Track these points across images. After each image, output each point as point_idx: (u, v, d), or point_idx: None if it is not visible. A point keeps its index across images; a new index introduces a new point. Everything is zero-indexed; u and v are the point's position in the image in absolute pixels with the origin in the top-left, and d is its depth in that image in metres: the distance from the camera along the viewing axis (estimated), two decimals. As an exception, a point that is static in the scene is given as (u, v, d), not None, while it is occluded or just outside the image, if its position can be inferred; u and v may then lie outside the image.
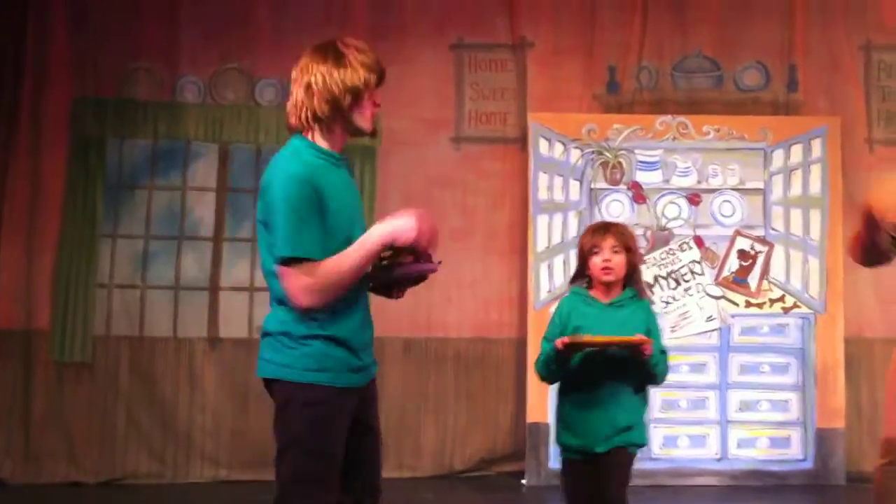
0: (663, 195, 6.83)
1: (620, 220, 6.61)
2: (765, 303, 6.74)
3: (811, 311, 6.73)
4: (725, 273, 6.76)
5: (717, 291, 6.75)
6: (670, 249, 6.78)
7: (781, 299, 6.74)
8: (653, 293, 6.69)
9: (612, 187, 6.82)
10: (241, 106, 7.05)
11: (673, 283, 6.75)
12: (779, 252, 6.77)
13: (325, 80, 2.91)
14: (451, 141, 7.13)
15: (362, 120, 2.99)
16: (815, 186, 6.81)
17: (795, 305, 6.73)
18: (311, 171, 2.88)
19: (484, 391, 6.96)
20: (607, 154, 6.83)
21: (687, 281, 6.75)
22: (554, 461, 6.35)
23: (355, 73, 2.93)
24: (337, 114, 2.94)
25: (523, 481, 6.57)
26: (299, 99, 2.95)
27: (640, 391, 3.75)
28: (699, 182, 6.83)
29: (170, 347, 6.86)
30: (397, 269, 3.03)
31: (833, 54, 7.13)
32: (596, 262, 3.75)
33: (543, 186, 6.79)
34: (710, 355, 6.71)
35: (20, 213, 6.85)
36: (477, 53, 7.19)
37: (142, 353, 6.84)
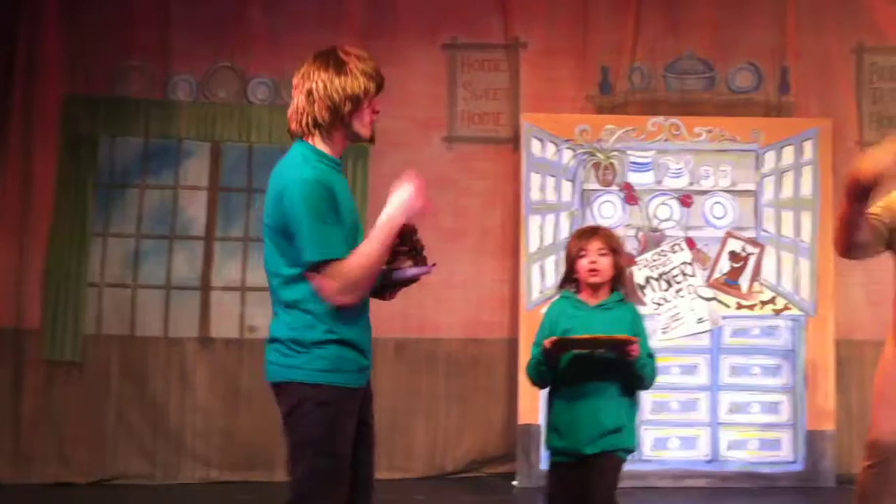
0: (655, 196, 6.83)
1: (612, 220, 6.66)
2: (756, 304, 6.75)
3: (802, 313, 6.74)
4: (717, 275, 6.78)
5: (709, 293, 6.76)
6: (662, 251, 6.79)
7: (772, 301, 6.75)
8: (644, 294, 6.70)
9: (604, 188, 6.82)
10: (234, 104, 7.03)
11: (664, 285, 6.76)
12: (770, 254, 6.79)
13: (326, 87, 2.98)
14: (444, 141, 7.13)
15: (361, 126, 3.05)
16: (807, 188, 6.82)
17: (786, 307, 6.75)
18: (323, 175, 2.94)
19: (475, 392, 6.96)
20: (599, 155, 6.84)
21: (678, 282, 6.76)
22: (545, 463, 6.34)
23: (356, 81, 2.99)
24: (337, 120, 3.00)
25: (514, 483, 6.57)
26: (300, 105, 3.02)
27: (629, 394, 3.76)
28: (691, 183, 6.84)
29: (161, 347, 6.84)
30: (395, 273, 3.10)
31: (825, 57, 7.15)
32: (583, 264, 3.79)
33: (536, 187, 6.80)
34: (701, 357, 6.72)
35: (11, 211, 6.82)
36: (470, 53, 7.20)
37: (133, 352, 6.82)
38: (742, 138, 6.85)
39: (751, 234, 6.80)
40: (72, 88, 6.92)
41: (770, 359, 6.73)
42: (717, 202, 6.84)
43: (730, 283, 6.77)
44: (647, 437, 6.57)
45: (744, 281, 6.77)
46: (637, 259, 6.74)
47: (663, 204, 6.83)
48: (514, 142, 7.02)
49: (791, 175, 6.84)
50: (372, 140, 3.12)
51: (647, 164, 6.85)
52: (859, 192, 3.33)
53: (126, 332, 6.84)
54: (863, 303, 6.86)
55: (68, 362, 6.74)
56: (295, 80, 3.06)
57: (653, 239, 6.81)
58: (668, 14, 7.19)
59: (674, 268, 6.78)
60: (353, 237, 2.99)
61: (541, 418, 6.24)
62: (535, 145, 6.82)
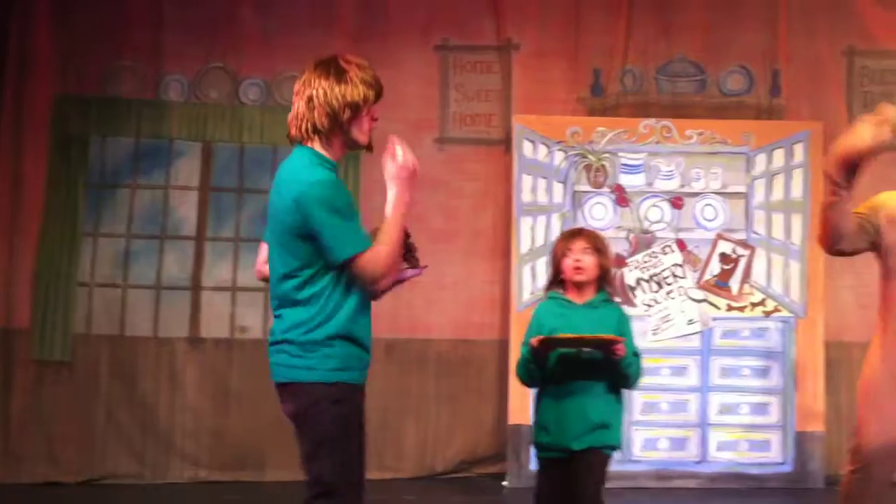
0: (646, 198, 6.85)
1: (603, 222, 6.68)
2: (746, 306, 6.77)
3: (792, 315, 6.76)
4: (707, 276, 6.79)
5: (699, 295, 6.77)
6: (652, 252, 6.80)
7: (762, 303, 6.77)
8: (635, 296, 6.72)
9: (595, 190, 6.84)
10: (225, 105, 7.03)
11: (655, 286, 6.77)
12: (760, 256, 6.81)
13: (327, 95, 3.04)
14: (436, 142, 7.13)
15: (360, 134, 3.11)
16: (797, 191, 6.85)
17: (776, 309, 6.77)
18: (333, 174, 3.03)
19: (466, 393, 6.96)
20: (591, 157, 6.85)
21: (669, 284, 6.78)
22: (535, 463, 6.35)
23: (355, 89, 3.05)
24: (336, 127, 3.06)
25: (504, 483, 6.58)
26: (300, 111, 3.07)
27: (615, 392, 3.80)
28: (682, 185, 6.86)
29: (150, 347, 6.83)
30: None
31: (816, 60, 7.17)
32: (568, 262, 3.84)
33: (527, 188, 6.81)
34: (691, 358, 6.73)
35: (1, 211, 6.81)
36: (462, 55, 7.20)
37: (122, 352, 6.81)
38: (733, 141, 6.87)
39: (741, 236, 6.82)
40: (63, 88, 6.91)
41: (760, 360, 6.75)
42: (707, 204, 6.85)
43: (720, 284, 6.79)
44: (636, 438, 6.59)
45: (734, 283, 6.78)
46: (628, 261, 6.75)
47: (654, 206, 6.84)
48: (506, 143, 7.03)
49: (782, 177, 6.86)
50: (370, 148, 3.17)
51: (638, 166, 6.86)
52: (848, 170, 3.32)
53: (116, 331, 6.83)
54: (852, 305, 6.89)
55: (58, 362, 6.73)
56: (296, 87, 3.12)
57: (644, 241, 6.82)
58: (659, 17, 7.21)
59: (664, 269, 6.79)
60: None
61: (531, 419, 6.24)
62: (527, 147, 6.83)
